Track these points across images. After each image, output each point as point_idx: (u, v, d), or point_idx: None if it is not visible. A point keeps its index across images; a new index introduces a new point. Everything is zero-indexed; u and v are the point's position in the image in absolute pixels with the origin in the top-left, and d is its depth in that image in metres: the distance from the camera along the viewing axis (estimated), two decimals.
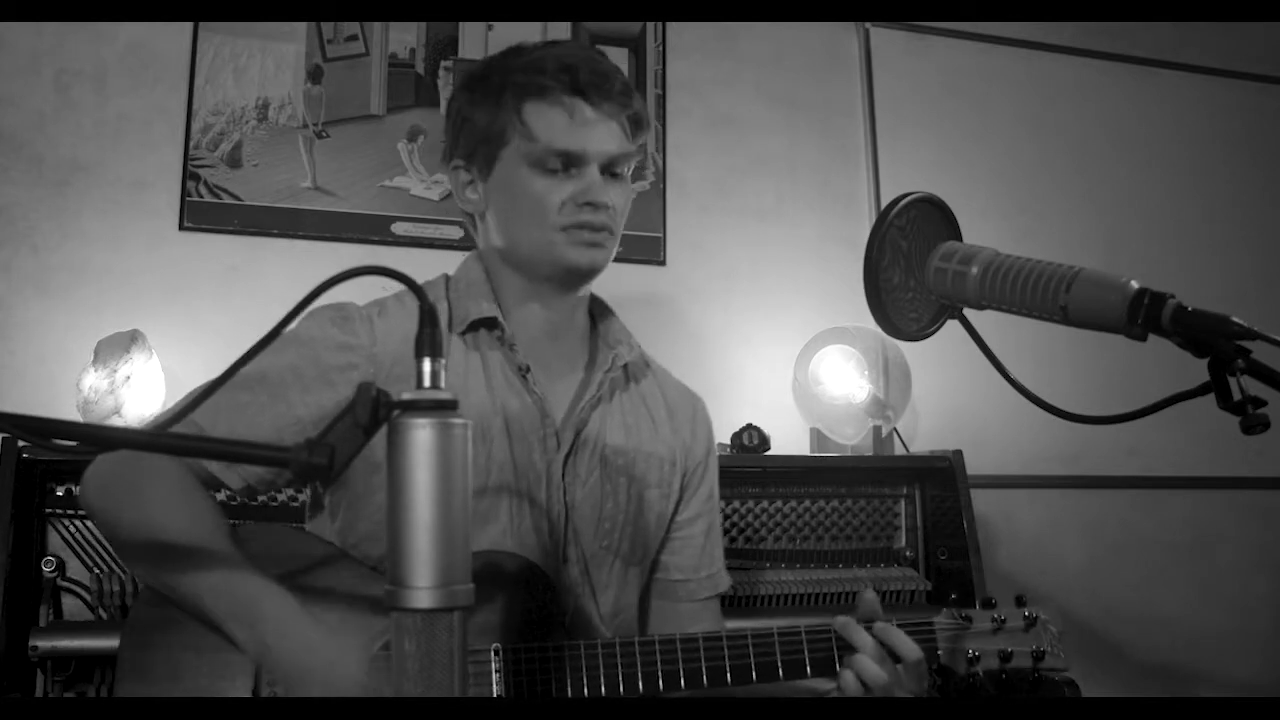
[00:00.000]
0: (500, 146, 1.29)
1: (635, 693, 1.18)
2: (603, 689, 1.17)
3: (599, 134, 1.27)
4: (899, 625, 1.23)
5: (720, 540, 1.49)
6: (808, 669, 1.22)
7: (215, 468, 1.20)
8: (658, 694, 1.19)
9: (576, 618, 1.29)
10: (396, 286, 0.80)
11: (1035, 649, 1.25)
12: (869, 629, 1.21)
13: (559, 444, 1.30)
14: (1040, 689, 1.27)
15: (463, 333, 1.30)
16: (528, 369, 1.29)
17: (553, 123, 1.26)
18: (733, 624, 1.27)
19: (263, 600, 1.10)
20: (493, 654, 1.15)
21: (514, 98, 1.28)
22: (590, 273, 1.30)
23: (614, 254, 1.32)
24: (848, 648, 1.21)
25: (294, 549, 1.22)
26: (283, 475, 1.24)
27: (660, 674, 1.19)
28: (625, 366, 1.38)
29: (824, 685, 1.25)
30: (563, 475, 1.29)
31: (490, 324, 1.30)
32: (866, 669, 1.19)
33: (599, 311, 1.42)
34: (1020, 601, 1.28)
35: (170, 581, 1.14)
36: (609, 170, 1.29)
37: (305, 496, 1.45)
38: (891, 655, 1.21)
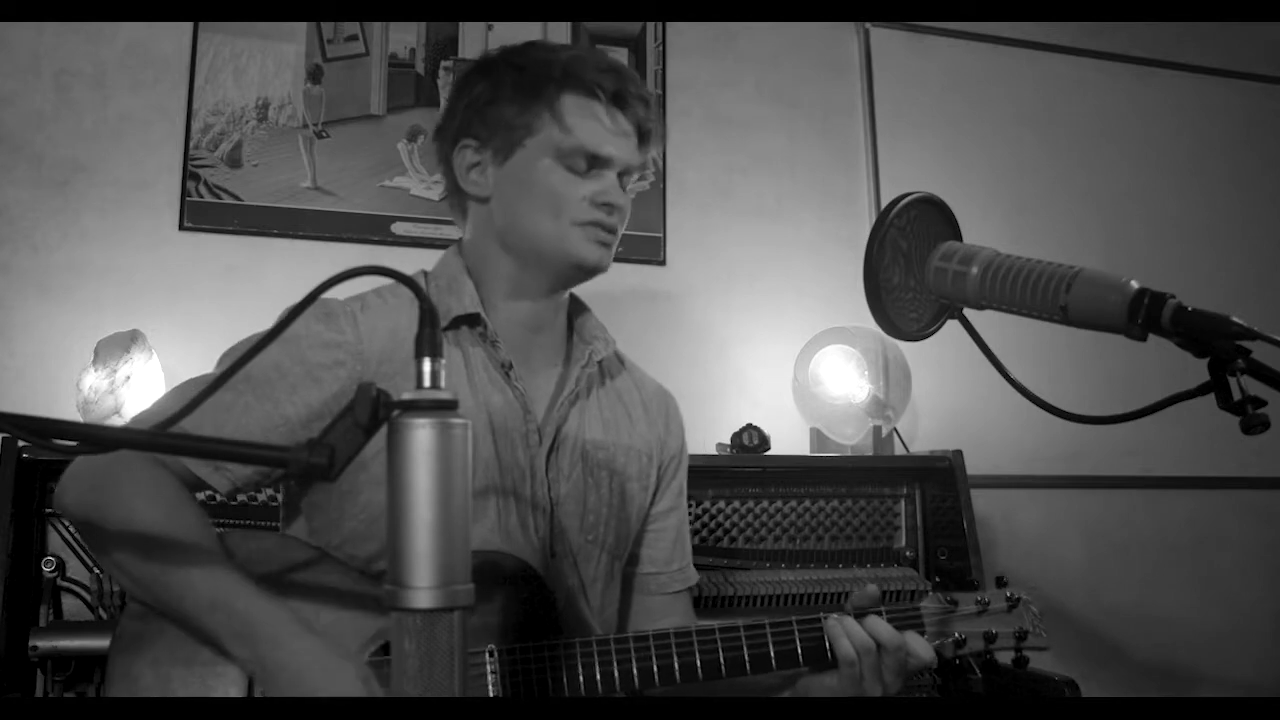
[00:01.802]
0: (527, 135, 1.30)
1: (631, 688, 1.19)
2: (599, 686, 1.17)
3: (624, 141, 1.31)
4: (887, 611, 1.26)
5: (689, 535, 1.52)
6: (800, 658, 1.23)
7: (202, 471, 1.18)
8: (653, 688, 1.20)
9: (569, 612, 1.29)
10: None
11: (1018, 629, 1.29)
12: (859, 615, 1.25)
13: (541, 439, 1.30)
14: (1024, 667, 1.31)
15: (444, 329, 1.30)
16: (510, 365, 1.29)
17: (589, 120, 1.29)
18: (724, 620, 1.28)
19: (259, 617, 1.09)
20: (487, 655, 1.15)
21: (554, 89, 1.29)
22: (596, 270, 1.32)
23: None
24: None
25: (279, 555, 1.21)
26: (269, 476, 1.22)
27: (656, 668, 1.19)
28: (600, 362, 1.39)
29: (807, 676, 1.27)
30: (546, 470, 1.30)
31: (472, 320, 1.30)
32: (855, 631, 1.22)
33: (575, 308, 1.43)
34: (1001, 582, 1.32)
35: (160, 595, 1.12)
36: (621, 178, 1.32)
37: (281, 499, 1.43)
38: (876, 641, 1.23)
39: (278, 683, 1.08)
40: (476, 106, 1.33)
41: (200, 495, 1.23)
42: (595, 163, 1.29)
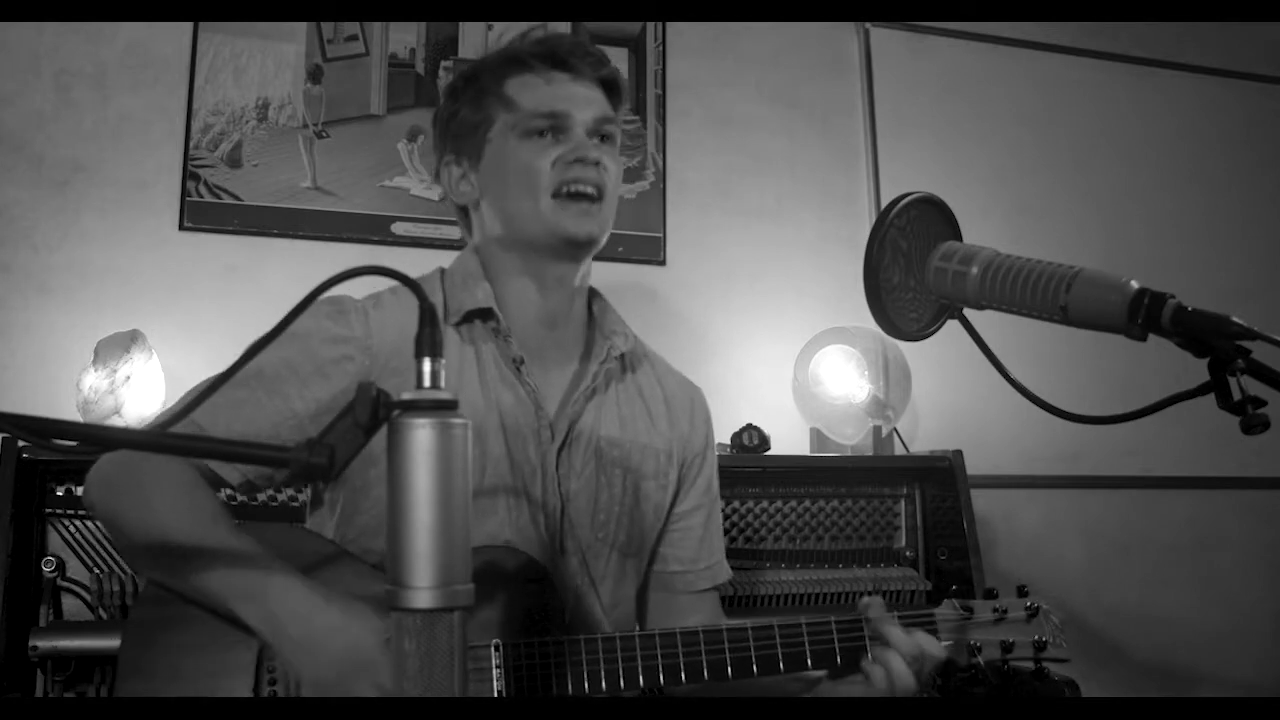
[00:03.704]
0: (487, 129, 1.33)
1: (636, 686, 1.18)
2: (603, 683, 1.17)
3: (580, 97, 1.32)
4: (900, 616, 1.24)
5: (720, 532, 1.50)
6: (808, 661, 1.22)
7: (214, 464, 1.20)
8: (658, 687, 1.19)
9: (577, 609, 1.29)
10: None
11: (1037, 639, 1.25)
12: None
13: (553, 436, 1.30)
14: (1044, 680, 1.27)
15: (457, 324, 1.30)
16: (522, 361, 1.29)
17: (533, 90, 1.31)
18: (733, 621, 1.28)
19: (271, 579, 1.10)
20: (492, 650, 1.15)
21: (494, 80, 1.33)
22: (586, 242, 1.30)
23: (610, 225, 1.33)
24: (849, 640, 1.22)
25: (293, 547, 1.21)
26: (282, 470, 1.23)
27: (661, 668, 1.19)
28: (621, 357, 1.39)
29: (814, 675, 1.25)
30: (556, 467, 1.30)
31: (485, 315, 1.31)
32: (900, 672, 1.19)
33: (596, 302, 1.43)
34: (1022, 592, 1.29)
35: (178, 572, 1.14)
36: (595, 134, 1.32)
37: (305, 495, 1.44)
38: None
39: (293, 634, 1.07)
40: (446, 124, 1.38)
41: (221, 494, 1.24)
42: (556, 123, 1.29)
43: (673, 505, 1.43)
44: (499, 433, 1.27)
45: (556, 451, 1.30)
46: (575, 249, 1.31)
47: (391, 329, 1.25)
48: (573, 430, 1.32)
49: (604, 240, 1.33)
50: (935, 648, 1.22)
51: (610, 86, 1.36)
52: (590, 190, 1.28)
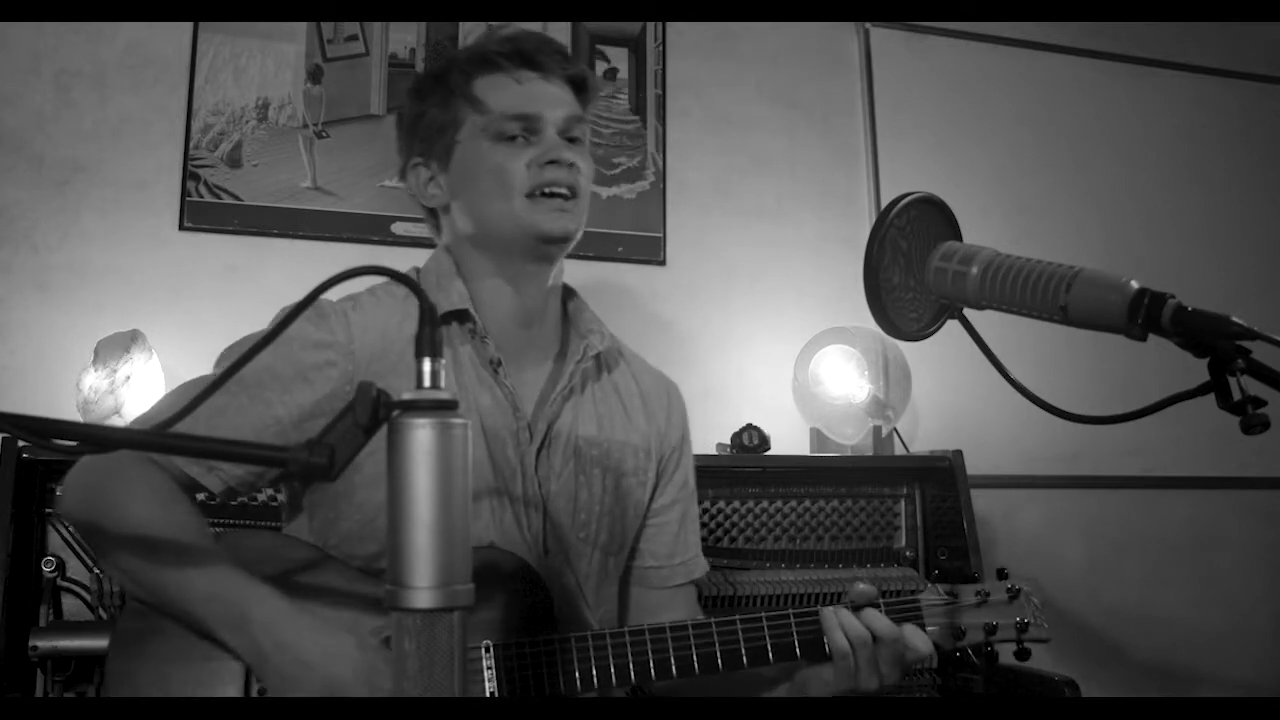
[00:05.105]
0: (456, 130, 1.31)
1: (627, 683, 1.19)
2: (595, 681, 1.18)
3: (549, 97, 1.31)
4: (887, 604, 1.25)
5: (697, 527, 1.50)
6: (797, 651, 1.23)
7: (195, 471, 1.18)
8: (649, 683, 1.20)
9: (565, 609, 1.29)
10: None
11: (1019, 620, 1.28)
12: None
13: (531, 437, 1.30)
14: (1026, 659, 1.30)
15: None
16: (499, 362, 1.29)
17: (503, 90, 1.30)
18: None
19: (253, 605, 1.10)
20: (484, 651, 1.15)
21: (462, 79, 1.32)
22: (562, 240, 1.30)
23: (584, 222, 1.32)
24: (808, 633, 1.25)
25: (278, 554, 1.21)
26: (263, 477, 1.22)
27: (651, 663, 1.19)
28: (597, 356, 1.38)
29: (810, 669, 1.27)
30: (536, 468, 1.30)
31: (461, 316, 1.30)
32: (847, 619, 1.22)
33: (571, 300, 1.42)
34: (1002, 574, 1.31)
35: (157, 590, 1.13)
36: (566, 135, 1.31)
37: (282, 498, 1.43)
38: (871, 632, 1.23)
39: (276, 665, 1.07)
40: (411, 126, 1.37)
41: (200, 496, 1.23)
42: (528, 125, 1.29)
43: (651, 500, 1.43)
44: (479, 435, 1.26)
45: (535, 452, 1.30)
46: (550, 247, 1.30)
47: (372, 332, 1.24)
48: (551, 430, 1.32)
49: (578, 237, 1.32)
50: (921, 641, 1.23)
51: (579, 85, 1.35)
52: (564, 191, 1.28)
